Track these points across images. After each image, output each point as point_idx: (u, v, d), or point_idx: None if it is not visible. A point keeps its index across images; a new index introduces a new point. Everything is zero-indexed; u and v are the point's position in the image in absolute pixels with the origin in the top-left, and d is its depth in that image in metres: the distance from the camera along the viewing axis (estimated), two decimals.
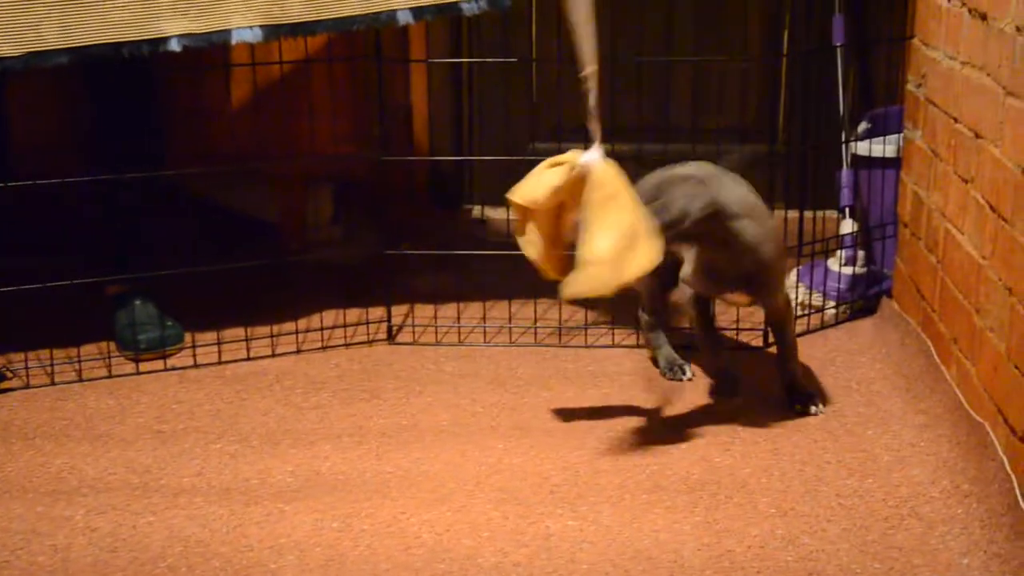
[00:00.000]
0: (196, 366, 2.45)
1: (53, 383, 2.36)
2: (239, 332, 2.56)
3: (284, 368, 2.45)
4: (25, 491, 1.94)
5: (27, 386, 2.35)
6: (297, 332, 2.57)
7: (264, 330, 2.57)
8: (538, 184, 2.01)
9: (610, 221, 1.91)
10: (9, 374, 2.34)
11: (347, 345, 2.56)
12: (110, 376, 2.40)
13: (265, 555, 1.76)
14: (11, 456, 2.06)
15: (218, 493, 1.94)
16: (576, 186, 1.96)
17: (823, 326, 2.63)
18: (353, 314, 2.68)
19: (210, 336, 2.54)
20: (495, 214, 3.24)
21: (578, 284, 1.90)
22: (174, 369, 2.44)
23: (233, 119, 2.71)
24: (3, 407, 2.26)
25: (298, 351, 2.53)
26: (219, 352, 2.49)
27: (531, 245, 2.06)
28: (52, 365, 2.40)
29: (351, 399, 2.30)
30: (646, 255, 1.90)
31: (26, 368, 2.38)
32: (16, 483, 1.96)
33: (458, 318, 2.65)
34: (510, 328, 2.60)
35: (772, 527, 1.83)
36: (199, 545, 1.78)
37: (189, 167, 2.69)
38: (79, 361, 2.42)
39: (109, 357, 2.45)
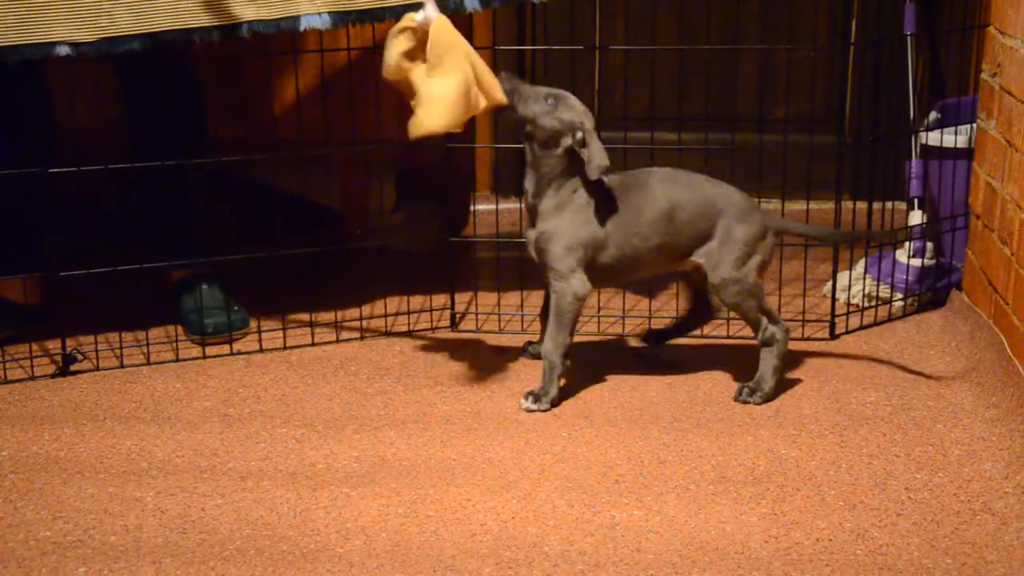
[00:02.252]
0: (262, 351, 2.47)
1: (122, 366, 2.40)
2: (304, 317, 2.58)
3: (348, 354, 2.47)
4: (96, 472, 1.96)
5: (96, 368, 2.38)
6: (361, 318, 2.59)
7: (328, 316, 2.59)
8: (389, 56, 2.10)
9: (450, 67, 2.04)
10: (79, 356, 2.38)
11: (410, 332, 2.57)
12: (177, 360, 2.43)
13: (332, 539, 1.76)
14: (82, 437, 2.09)
15: (285, 477, 1.95)
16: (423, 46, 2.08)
17: (890, 318, 2.60)
18: (416, 301, 2.68)
19: (275, 321, 2.57)
20: None
21: (423, 122, 2.05)
22: (240, 353, 2.46)
23: (300, 106, 2.73)
24: (74, 389, 2.30)
25: (362, 337, 2.54)
26: (284, 337, 2.51)
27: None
28: (121, 348, 2.43)
29: (415, 386, 2.30)
30: (493, 90, 2.08)
31: (96, 351, 2.41)
32: (87, 464, 1.99)
33: (521, 306, 2.65)
34: None
35: (840, 520, 1.81)
36: (267, 528, 1.80)
37: (256, 153, 2.71)
38: (147, 344, 2.45)
39: (176, 341, 2.48)
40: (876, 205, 2.70)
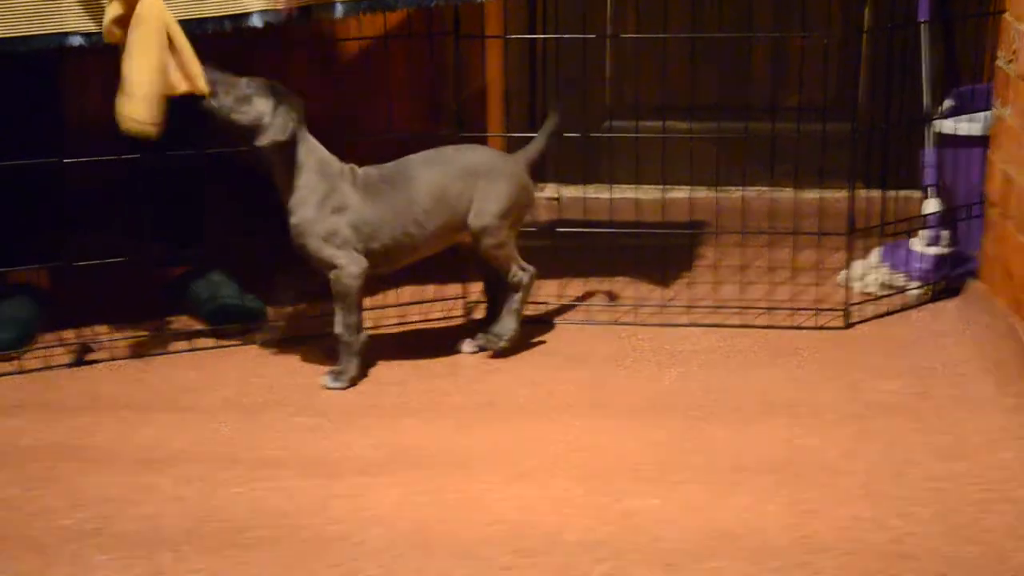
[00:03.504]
0: (276, 341, 2.47)
1: (138, 356, 2.39)
2: (315, 308, 2.57)
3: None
4: (114, 460, 1.97)
5: (112, 359, 2.38)
6: (372, 309, 2.58)
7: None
8: (105, 19, 2.05)
9: (139, 46, 2.02)
10: (94, 346, 2.38)
11: (425, 322, 2.57)
12: (192, 350, 2.43)
13: (351, 528, 1.77)
14: (99, 426, 2.09)
15: (302, 466, 1.95)
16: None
17: (906, 307, 2.59)
18: (429, 291, 2.68)
19: (287, 311, 2.57)
20: (571, 192, 3.24)
21: (122, 113, 2.05)
22: (254, 344, 2.46)
23: (310, 96, 2.72)
24: (90, 379, 2.30)
25: (375, 327, 2.54)
26: (296, 328, 2.51)
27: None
28: (136, 338, 2.43)
29: (430, 375, 2.30)
30: (195, 78, 2.08)
31: (110, 341, 2.41)
32: (105, 452, 1.99)
33: (534, 296, 2.64)
34: (587, 306, 2.59)
35: (859, 509, 1.81)
36: (285, 516, 1.80)
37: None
38: (160, 335, 2.45)
39: (191, 332, 2.48)
40: (890, 193, 2.69)
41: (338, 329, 2.25)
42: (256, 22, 2.22)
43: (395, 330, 2.53)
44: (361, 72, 2.82)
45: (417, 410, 2.16)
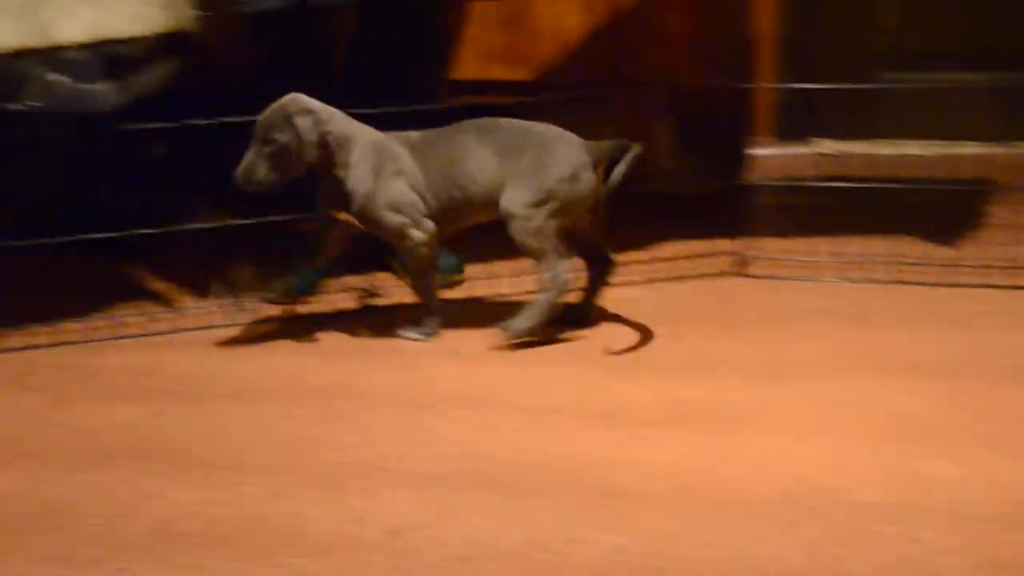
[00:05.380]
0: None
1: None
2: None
3: (633, 297, 2.46)
4: (395, 401, 2.03)
5: (390, 305, 2.45)
6: (645, 262, 2.57)
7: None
8: None
9: None
10: (378, 292, 2.47)
11: (697, 276, 2.53)
12: (468, 299, 2.48)
13: (634, 478, 1.76)
14: (374, 370, 2.16)
15: (580, 415, 1.96)
16: None
17: None
18: (700, 245, 2.64)
19: None
20: (844, 147, 3.12)
21: None
22: (531, 293, 2.49)
23: (578, 46, 2.72)
24: (365, 322, 2.37)
25: (648, 281, 2.52)
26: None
27: None
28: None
29: (707, 330, 2.27)
30: None
31: (389, 289, 2.49)
32: (385, 394, 2.06)
33: (811, 252, 2.56)
34: (868, 263, 2.50)
35: None
36: (567, 463, 1.80)
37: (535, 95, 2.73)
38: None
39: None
40: None
41: (415, 292, 2.26)
42: None
43: (667, 284, 2.50)
44: (637, 22, 2.79)
45: (696, 364, 2.13)
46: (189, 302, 2.46)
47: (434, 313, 2.26)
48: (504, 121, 2.23)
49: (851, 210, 2.61)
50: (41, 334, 2.36)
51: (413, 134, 2.22)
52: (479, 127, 2.21)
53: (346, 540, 1.61)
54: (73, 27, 2.01)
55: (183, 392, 2.08)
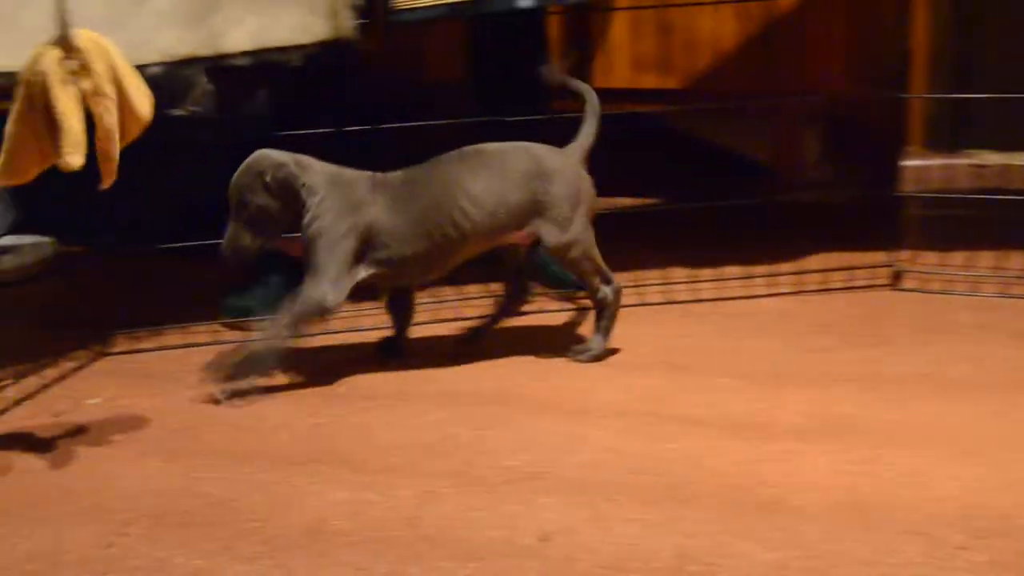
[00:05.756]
0: (698, 301, 2.47)
1: (563, 309, 2.46)
2: (734, 270, 2.55)
3: (783, 308, 2.42)
4: (551, 409, 2.02)
5: (542, 310, 2.46)
6: (793, 273, 2.53)
7: (761, 269, 2.55)
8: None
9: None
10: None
11: (847, 288, 2.48)
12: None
13: (786, 491, 1.73)
14: (534, 376, 2.17)
15: (730, 427, 1.94)
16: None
17: None
18: (851, 257, 2.59)
19: (708, 272, 2.56)
20: (1003, 159, 3.02)
21: None
22: (676, 303, 2.48)
23: (726, 55, 2.69)
24: (520, 327, 2.39)
25: (796, 292, 2.49)
26: (719, 288, 2.50)
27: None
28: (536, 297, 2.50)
29: (858, 344, 2.22)
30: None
31: (541, 293, 2.50)
32: (543, 401, 2.06)
33: (969, 266, 2.49)
34: None
35: None
36: (719, 475, 1.79)
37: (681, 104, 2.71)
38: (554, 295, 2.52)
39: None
40: None
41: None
42: None
43: (817, 296, 2.46)
44: (778, 31, 2.75)
45: (847, 379, 2.09)
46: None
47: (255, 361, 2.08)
48: (487, 149, 2.12)
49: (1011, 223, 2.52)
50: (200, 333, 2.44)
51: (392, 175, 2.11)
52: (462, 158, 2.11)
53: (498, 545, 1.62)
54: (239, 36, 2.06)
55: (339, 395, 2.12)
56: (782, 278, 2.52)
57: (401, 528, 1.67)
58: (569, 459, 1.85)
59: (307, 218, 2.04)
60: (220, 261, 1.99)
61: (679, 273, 2.59)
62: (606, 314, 2.19)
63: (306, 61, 2.17)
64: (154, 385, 2.14)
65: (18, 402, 2.11)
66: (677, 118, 2.77)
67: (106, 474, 1.84)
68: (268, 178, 1.99)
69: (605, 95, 2.66)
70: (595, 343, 2.20)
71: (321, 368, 2.23)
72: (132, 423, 2.01)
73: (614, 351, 2.24)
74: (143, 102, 1.80)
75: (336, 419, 2.01)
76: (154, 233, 2.43)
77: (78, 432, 1.98)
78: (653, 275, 2.57)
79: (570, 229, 2.11)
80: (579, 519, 1.68)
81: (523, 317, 2.42)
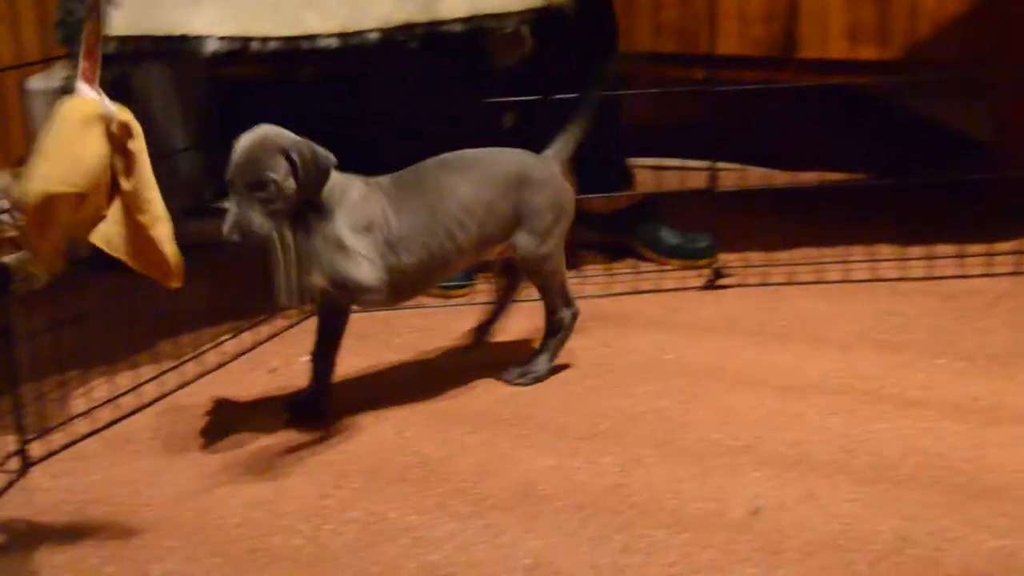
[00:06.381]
0: (906, 279, 2.39)
1: (765, 284, 2.42)
2: (947, 249, 2.45)
3: (1002, 289, 2.32)
4: (755, 383, 1.99)
5: (742, 284, 2.42)
6: (1012, 253, 2.42)
7: (976, 248, 2.44)
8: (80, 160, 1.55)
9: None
10: (727, 273, 2.43)
11: None
12: (819, 282, 2.41)
13: (1012, 479, 1.66)
14: (737, 349, 2.13)
15: (949, 409, 1.86)
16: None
17: None
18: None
19: (917, 250, 2.47)
20: None
21: None
22: (883, 280, 2.40)
23: (954, 26, 2.57)
24: (721, 302, 2.35)
25: (1015, 273, 2.37)
26: (930, 267, 2.41)
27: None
28: (765, 267, 2.46)
29: None
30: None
31: (742, 267, 2.46)
32: (746, 375, 2.02)
33: None
34: None
35: None
36: (938, 458, 1.72)
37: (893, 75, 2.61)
38: (790, 264, 2.46)
39: (819, 263, 2.46)
40: None
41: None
42: None
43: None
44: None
45: None
46: None
47: None
48: (473, 154, 1.96)
49: None
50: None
51: (381, 180, 1.91)
52: (444, 165, 1.93)
53: (706, 516, 1.60)
54: (455, 3, 2.06)
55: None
56: (998, 258, 2.41)
57: (607, 495, 1.66)
58: (777, 435, 1.81)
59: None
60: (226, 247, 1.77)
61: (886, 250, 2.50)
62: (558, 336, 2.04)
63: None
64: (360, 346, 2.17)
65: (235, 357, 2.18)
66: (890, 91, 2.67)
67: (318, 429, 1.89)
68: (295, 155, 1.78)
69: (815, 66, 2.60)
70: (540, 364, 2.04)
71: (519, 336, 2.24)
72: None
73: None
74: None
75: (540, 388, 2.01)
76: None
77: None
78: (859, 251, 2.49)
79: (547, 242, 1.98)
80: (791, 496, 1.64)
81: (718, 291, 2.39)
